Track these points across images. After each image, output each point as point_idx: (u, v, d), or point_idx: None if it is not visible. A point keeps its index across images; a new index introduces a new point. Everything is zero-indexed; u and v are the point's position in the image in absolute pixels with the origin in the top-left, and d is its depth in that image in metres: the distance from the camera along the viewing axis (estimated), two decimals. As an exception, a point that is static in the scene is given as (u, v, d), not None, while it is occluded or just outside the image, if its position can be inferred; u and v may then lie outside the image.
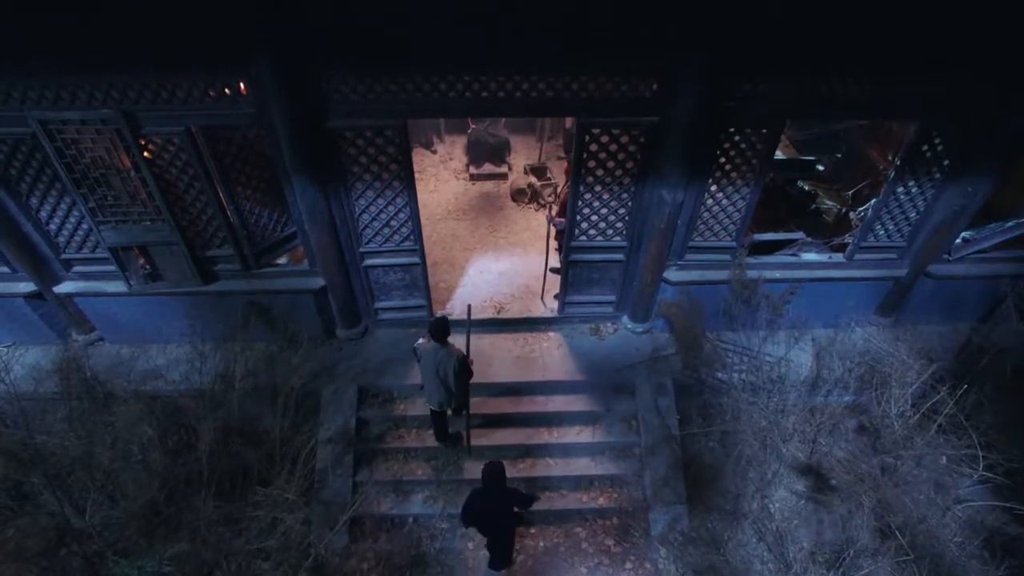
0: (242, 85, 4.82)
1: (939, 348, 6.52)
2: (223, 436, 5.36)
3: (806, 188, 8.39)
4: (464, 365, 5.22)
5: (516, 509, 4.95)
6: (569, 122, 9.48)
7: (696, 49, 4.68)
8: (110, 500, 4.42)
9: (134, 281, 5.98)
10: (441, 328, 5.13)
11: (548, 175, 9.31)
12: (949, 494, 5.19)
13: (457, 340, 5.34)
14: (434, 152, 10.24)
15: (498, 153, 9.57)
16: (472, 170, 9.61)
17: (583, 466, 6.23)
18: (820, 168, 8.80)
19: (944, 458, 5.03)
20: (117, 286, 6.02)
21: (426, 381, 5.39)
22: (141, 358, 6.31)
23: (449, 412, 5.89)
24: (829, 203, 8.29)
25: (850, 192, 6.57)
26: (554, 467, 6.21)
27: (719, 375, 6.49)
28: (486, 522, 5.01)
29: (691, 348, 6.59)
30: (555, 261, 7.28)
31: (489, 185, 9.63)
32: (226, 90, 4.86)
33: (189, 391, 5.80)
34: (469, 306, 6.21)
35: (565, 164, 6.66)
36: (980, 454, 4.81)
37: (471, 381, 5.47)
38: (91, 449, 4.63)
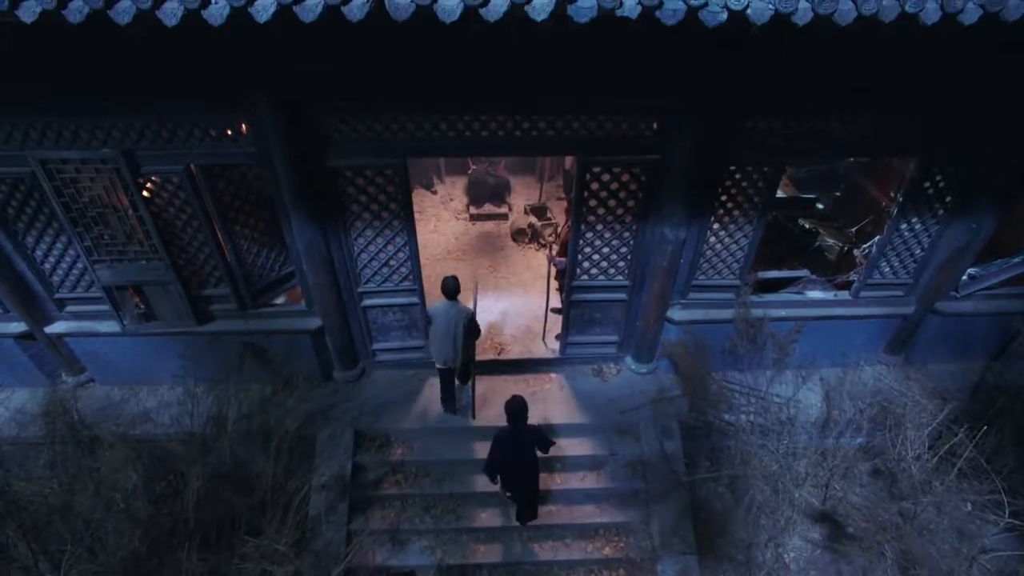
0: (243, 125, 4.83)
1: (952, 387, 6.35)
2: (212, 482, 5.14)
3: (807, 226, 8.38)
4: (473, 321, 5.77)
5: (539, 452, 5.15)
6: (569, 163, 9.55)
7: (695, 89, 4.70)
8: (89, 553, 4.18)
9: (128, 321, 5.87)
10: (453, 286, 5.59)
11: (548, 215, 9.31)
12: (974, 543, 4.93)
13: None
14: (434, 193, 10.29)
15: (498, 193, 9.60)
16: (472, 210, 9.62)
17: (588, 513, 5.97)
18: (820, 206, 8.83)
19: (969, 504, 4.80)
20: (110, 326, 5.90)
21: (436, 340, 5.76)
22: (131, 400, 6.13)
23: (457, 383, 6.25)
24: (831, 241, 8.26)
25: (853, 229, 6.54)
26: (557, 515, 5.95)
27: (726, 417, 6.29)
28: (512, 467, 5.15)
29: (697, 389, 6.42)
30: (556, 301, 7.19)
31: (489, 225, 9.63)
32: (227, 130, 4.86)
33: (179, 435, 5.61)
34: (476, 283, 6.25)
35: (565, 204, 6.66)
36: (1005, 500, 4.59)
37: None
38: (72, 498, 4.41)
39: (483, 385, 6.56)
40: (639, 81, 4.69)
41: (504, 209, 9.66)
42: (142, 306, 5.87)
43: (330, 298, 5.89)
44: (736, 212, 5.62)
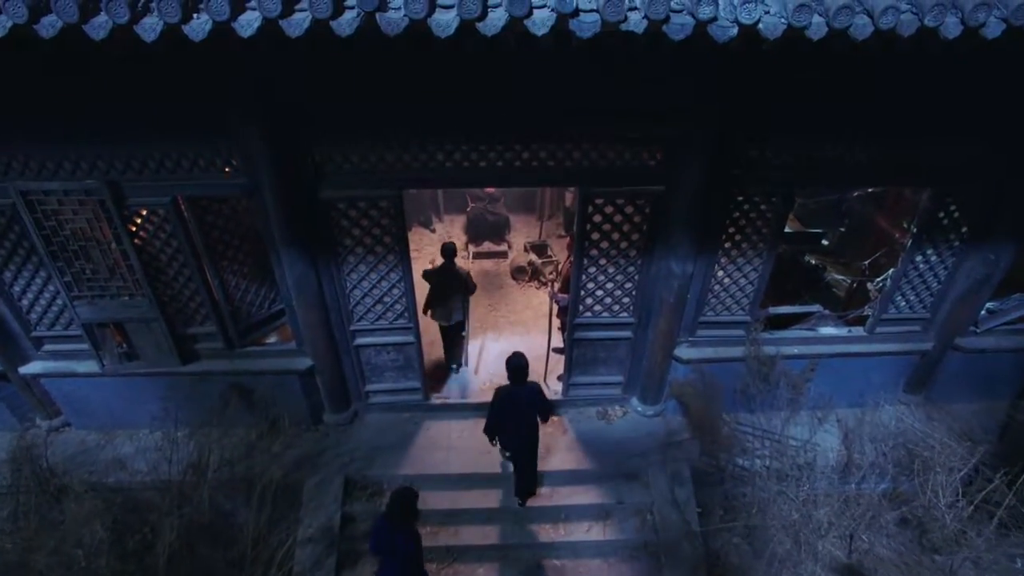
0: (232, 155, 4.66)
1: (978, 428, 6.00)
2: (188, 535, 4.74)
3: (812, 262, 8.18)
4: (469, 277, 6.55)
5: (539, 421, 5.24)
6: (569, 199, 9.43)
7: (701, 117, 4.56)
8: (45, 616, 3.79)
9: (108, 361, 5.57)
10: (452, 250, 6.41)
11: (549, 252, 9.13)
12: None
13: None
14: (432, 231, 10.14)
15: (497, 231, 9.45)
16: (471, 248, 9.44)
17: (595, 569, 5.54)
18: (825, 242, 8.65)
19: (1019, 561, 4.40)
20: (89, 366, 5.60)
21: (436, 299, 6.52)
22: (108, 446, 5.77)
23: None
24: (838, 277, 8.05)
25: (866, 262, 6.33)
26: (562, 571, 5.51)
27: (740, 461, 5.92)
28: (512, 424, 5.21)
29: (708, 432, 6.06)
30: (558, 340, 6.92)
31: (488, 264, 9.44)
32: (216, 160, 4.69)
33: (156, 483, 5.23)
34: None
35: (567, 239, 6.46)
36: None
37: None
38: (29, 555, 4.02)
39: (481, 433, 6.21)
40: (642, 109, 4.55)
41: (504, 247, 9.49)
42: (123, 345, 5.60)
43: (321, 336, 5.62)
44: (744, 244, 5.41)
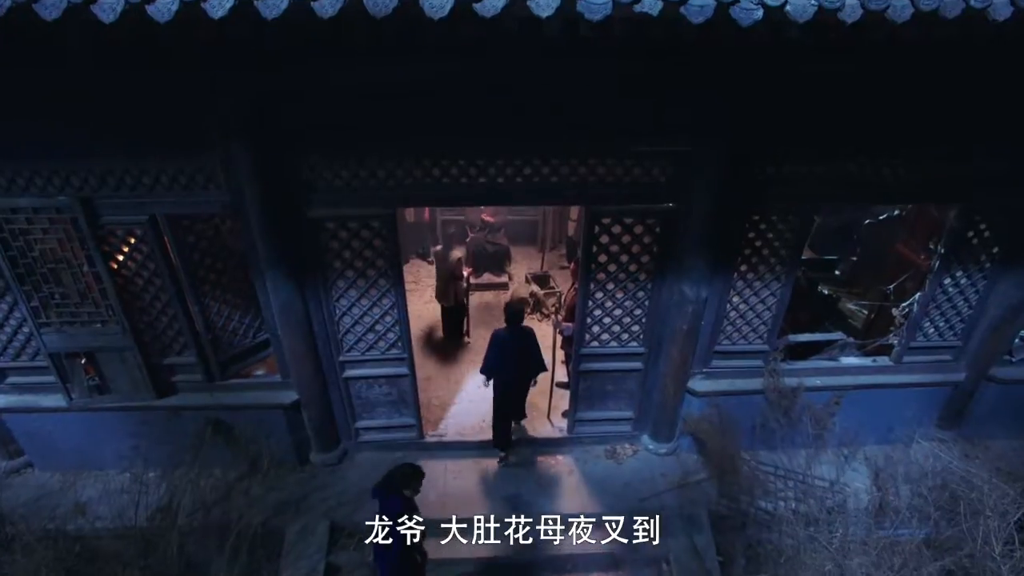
0: (215, 170, 4.37)
1: (1022, 467, 5.52)
2: (152, 591, 4.24)
3: (826, 292, 7.83)
4: (460, 261, 7.35)
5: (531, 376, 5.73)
6: (572, 229, 9.17)
7: (714, 130, 4.30)
8: None
9: (76, 394, 5.16)
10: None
11: (551, 283, 8.80)
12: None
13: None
14: (430, 262, 9.81)
15: (498, 262, 9.13)
16: (471, 280, 9.09)
17: (606, 627, 4.97)
18: (836, 272, 8.33)
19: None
20: (55, 400, 5.18)
21: (439, 282, 7.33)
22: (72, 489, 5.28)
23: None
24: (852, 307, 7.70)
25: (890, 286, 5.98)
26: (570, 629, 4.95)
27: (762, 504, 5.42)
28: (507, 365, 5.61)
29: (726, 472, 5.58)
30: (562, 375, 6.51)
31: (489, 296, 9.08)
32: (197, 176, 4.40)
33: (120, 530, 4.73)
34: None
35: (572, 265, 6.14)
36: None
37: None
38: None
39: (479, 471, 5.77)
40: (652, 121, 4.30)
41: (504, 278, 9.16)
42: (94, 377, 5.19)
43: (307, 367, 5.22)
44: (761, 267, 5.07)
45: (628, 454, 6.04)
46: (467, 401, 6.72)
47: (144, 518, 4.73)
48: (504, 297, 8.94)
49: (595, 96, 4.18)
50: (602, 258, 4.98)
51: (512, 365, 5.61)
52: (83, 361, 5.11)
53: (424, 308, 8.55)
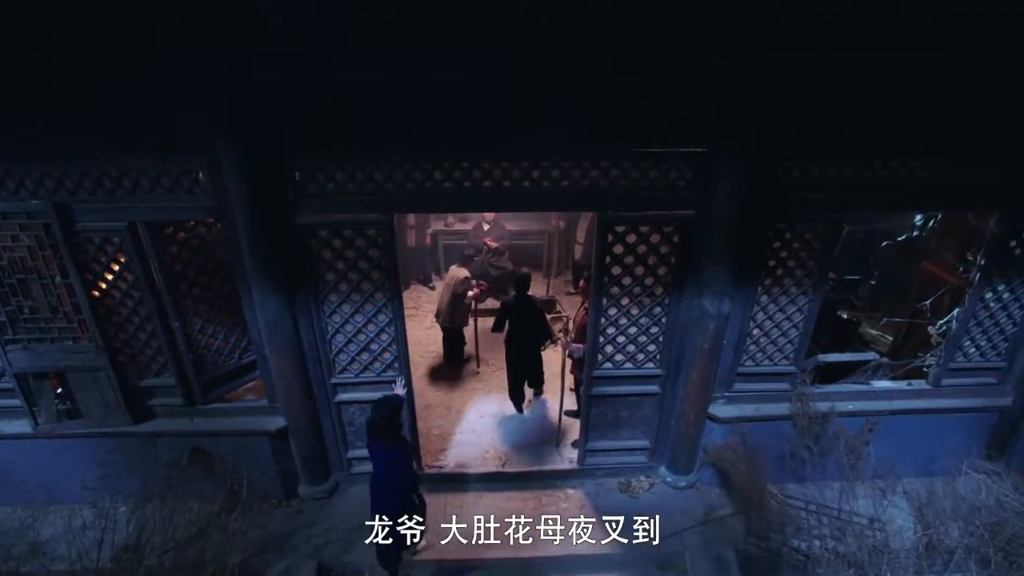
0: (200, 172, 4.06)
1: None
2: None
3: (844, 316, 7.43)
4: (467, 280, 6.83)
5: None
6: (579, 252, 8.83)
7: (738, 129, 4.00)
8: None
9: (43, 419, 4.74)
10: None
11: (557, 309, 8.42)
12: None
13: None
14: (432, 288, 9.46)
15: (502, 287, 8.75)
16: (474, 306, 8.71)
17: None
18: (855, 301, 7.95)
19: None
20: (19, 426, 4.76)
21: (441, 301, 6.93)
22: (32, 526, 4.79)
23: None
24: (874, 332, 7.29)
25: (927, 302, 5.60)
26: None
27: (796, 543, 4.91)
28: (517, 335, 6.09)
29: (753, 507, 5.08)
30: (571, 403, 6.07)
31: (491, 322, 8.66)
32: (181, 179, 4.09)
33: (81, 572, 4.23)
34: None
35: (582, 283, 5.80)
36: None
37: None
38: None
39: (483, 506, 5.27)
40: (670, 119, 4.00)
41: (508, 303, 8.76)
42: (64, 399, 4.77)
43: (296, 390, 4.81)
44: (787, 280, 4.71)
45: (644, 487, 5.54)
46: (469, 431, 6.26)
47: (108, 558, 4.24)
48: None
49: (608, 92, 3.90)
50: (615, 270, 4.62)
51: (520, 331, 6.06)
52: (53, 383, 4.70)
53: (424, 334, 8.16)
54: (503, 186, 4.21)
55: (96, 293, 4.41)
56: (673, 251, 4.55)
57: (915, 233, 7.81)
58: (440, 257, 9.66)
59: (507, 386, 6.48)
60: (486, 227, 8.57)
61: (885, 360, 5.24)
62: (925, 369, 5.34)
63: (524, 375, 6.42)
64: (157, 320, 4.56)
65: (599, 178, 4.23)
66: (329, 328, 4.71)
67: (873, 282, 8.21)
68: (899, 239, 7.94)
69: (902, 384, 5.31)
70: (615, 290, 4.70)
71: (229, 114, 3.83)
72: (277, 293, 4.39)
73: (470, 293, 6.92)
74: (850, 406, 5.14)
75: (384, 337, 4.81)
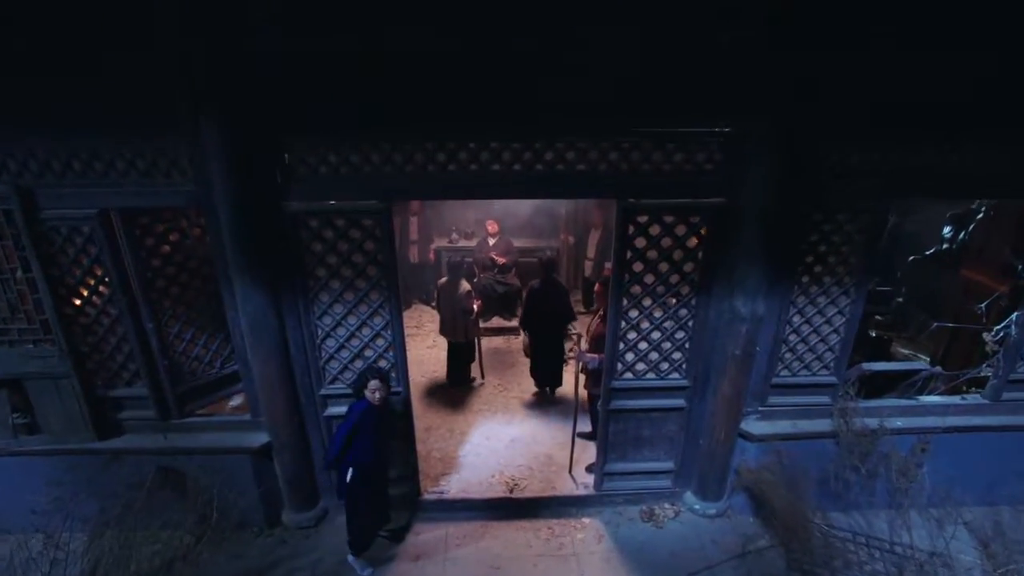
0: (179, 154, 3.68)
1: None
2: None
3: (872, 334, 6.92)
4: (470, 294, 6.43)
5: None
6: (588, 269, 8.40)
7: (774, 106, 3.63)
8: None
9: (-3, 434, 4.24)
10: (457, 263, 6.70)
11: (569, 326, 7.91)
12: None
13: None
14: (434, 307, 8.99)
15: (508, 304, 8.31)
16: (479, 324, 8.25)
17: None
18: (878, 317, 7.46)
19: None
20: (-31, 442, 4.25)
21: (443, 314, 6.60)
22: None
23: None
24: (906, 351, 6.79)
25: (982, 305, 5.09)
26: None
27: (846, 580, 4.30)
28: (542, 314, 6.21)
29: (795, 538, 4.49)
30: (585, 424, 5.54)
31: (498, 341, 8.21)
32: (159, 160, 3.70)
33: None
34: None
35: (598, 286, 5.33)
36: None
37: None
38: None
39: (488, 539, 4.69)
40: (698, 94, 3.63)
41: (515, 323, 8.29)
42: (23, 413, 4.28)
43: (281, 402, 4.31)
44: (827, 279, 4.25)
45: (669, 515, 4.95)
46: (473, 454, 5.70)
47: (57, 594, 3.68)
48: (515, 343, 8.08)
49: (630, 63, 3.54)
50: (637, 267, 4.18)
51: (546, 316, 6.22)
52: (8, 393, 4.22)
53: (427, 353, 7.67)
54: (513, 169, 3.82)
55: (61, 290, 3.97)
56: (700, 244, 4.12)
57: (944, 247, 7.39)
58: (443, 273, 9.22)
59: (529, 367, 6.69)
60: (491, 242, 8.18)
61: (938, 369, 4.72)
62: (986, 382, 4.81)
63: (547, 363, 6.50)
64: (129, 321, 4.11)
65: (618, 161, 3.83)
66: (319, 331, 4.25)
67: (901, 299, 7.73)
68: (927, 252, 7.53)
69: (955, 399, 4.78)
70: (636, 289, 4.25)
71: (211, 88, 3.47)
72: (261, 289, 3.95)
73: (475, 307, 6.47)
74: (899, 423, 4.60)
75: (380, 342, 4.34)
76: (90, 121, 3.57)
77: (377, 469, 4.27)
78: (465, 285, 6.46)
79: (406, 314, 8.52)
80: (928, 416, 4.67)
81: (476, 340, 6.94)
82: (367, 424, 4.02)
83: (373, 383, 3.97)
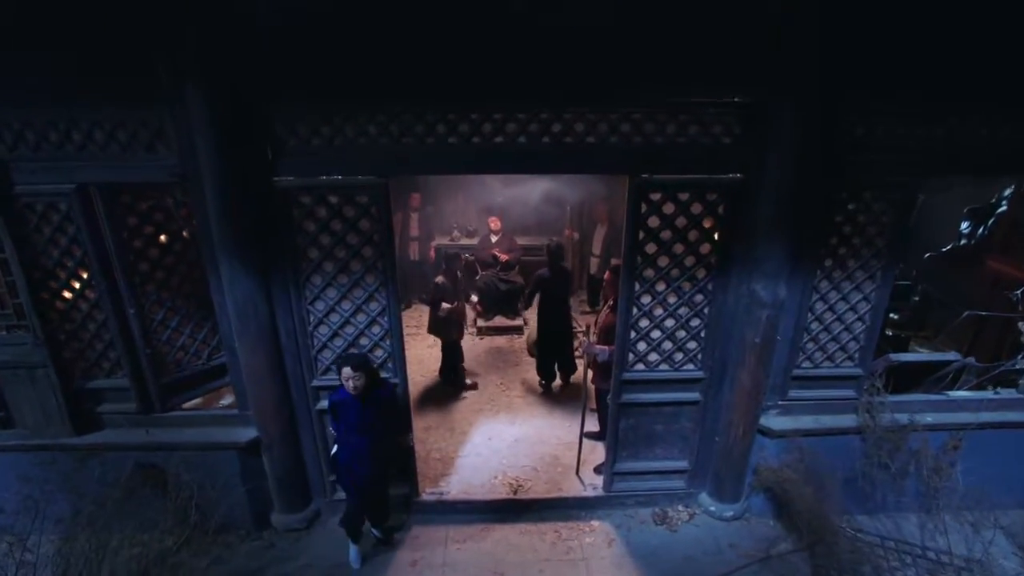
0: (163, 124, 3.45)
1: None
2: None
3: (889, 334, 6.65)
4: (439, 286, 6.08)
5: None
6: (594, 266, 8.13)
7: (798, 74, 3.40)
8: None
9: (-33, 428, 3.97)
10: (453, 255, 6.37)
11: (573, 324, 7.65)
12: None
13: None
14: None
15: (511, 303, 8.01)
16: (480, 323, 8.00)
17: None
18: (894, 316, 7.19)
19: None
20: (-64, 436, 3.99)
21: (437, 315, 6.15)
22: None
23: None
24: (922, 351, 6.51)
25: (1019, 292, 4.82)
26: None
27: (877, 588, 3.99)
28: (550, 301, 6.12)
29: (820, 542, 4.18)
30: (592, 424, 5.25)
31: (501, 340, 7.94)
32: (140, 132, 3.48)
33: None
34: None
35: (607, 275, 5.06)
36: None
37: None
38: None
39: (490, 542, 4.40)
40: (715, 61, 3.41)
41: (518, 321, 8.03)
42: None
43: (271, 393, 4.05)
44: (851, 262, 4.00)
45: (683, 518, 4.66)
46: (474, 454, 5.41)
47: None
48: (519, 343, 7.81)
49: (642, 30, 3.31)
50: (650, 248, 3.92)
51: (554, 304, 6.14)
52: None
53: (426, 352, 7.38)
54: (518, 142, 3.58)
55: (37, 273, 3.72)
56: (717, 224, 3.87)
57: (962, 242, 7.15)
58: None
59: (536, 363, 6.55)
60: (493, 239, 7.93)
61: (971, 360, 4.43)
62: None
63: (555, 352, 6.35)
64: (110, 307, 3.86)
65: (631, 133, 3.60)
66: (311, 317, 3.99)
67: (916, 299, 7.46)
68: (944, 249, 7.28)
69: (988, 393, 4.49)
70: (649, 272, 3.99)
71: (197, 53, 3.24)
72: (250, 271, 3.71)
73: (444, 306, 6.00)
74: (928, 418, 4.32)
75: (376, 329, 4.08)
76: (70, 92, 3.35)
77: (370, 467, 3.96)
78: (439, 278, 6.11)
79: (406, 314, 8.27)
80: (960, 411, 4.38)
81: (456, 341, 6.47)
82: (349, 415, 3.78)
83: (345, 371, 3.60)
